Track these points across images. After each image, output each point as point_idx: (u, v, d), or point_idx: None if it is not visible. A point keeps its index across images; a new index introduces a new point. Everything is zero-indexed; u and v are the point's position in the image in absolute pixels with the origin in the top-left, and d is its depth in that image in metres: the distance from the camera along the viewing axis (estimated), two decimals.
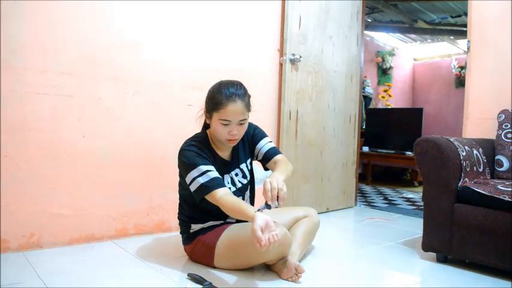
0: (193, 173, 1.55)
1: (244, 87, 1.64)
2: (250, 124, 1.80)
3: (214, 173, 1.56)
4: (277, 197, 1.43)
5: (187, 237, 1.74)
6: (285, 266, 1.57)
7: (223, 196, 1.50)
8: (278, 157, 1.76)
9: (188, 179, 1.58)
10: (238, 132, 1.61)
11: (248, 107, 1.62)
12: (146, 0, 2.12)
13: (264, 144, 1.79)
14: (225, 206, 1.49)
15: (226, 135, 1.59)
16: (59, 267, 1.63)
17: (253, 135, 1.80)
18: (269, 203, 1.42)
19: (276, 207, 1.46)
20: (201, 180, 1.54)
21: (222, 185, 1.55)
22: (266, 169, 1.82)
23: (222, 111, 1.56)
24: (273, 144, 1.81)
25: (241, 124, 1.60)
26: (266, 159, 1.77)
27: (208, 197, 1.53)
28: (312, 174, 2.84)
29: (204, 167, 1.56)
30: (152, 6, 2.14)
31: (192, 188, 1.56)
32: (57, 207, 1.89)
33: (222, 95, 1.56)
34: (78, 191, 1.95)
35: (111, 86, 2.03)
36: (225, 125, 1.57)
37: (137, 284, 1.50)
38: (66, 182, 1.91)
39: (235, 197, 1.54)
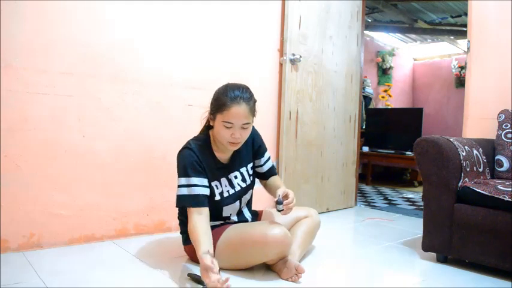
0: (183, 180, 1.57)
1: (250, 91, 1.63)
2: (257, 132, 1.83)
3: (200, 189, 1.57)
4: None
5: (188, 237, 1.73)
6: (285, 266, 1.57)
7: (197, 218, 1.53)
8: (277, 177, 1.86)
9: (177, 182, 1.60)
10: (241, 136, 1.59)
11: (253, 112, 1.61)
12: (146, 0, 2.12)
13: (266, 161, 1.84)
14: (190, 228, 1.53)
15: (229, 137, 1.58)
16: (59, 267, 1.63)
17: (260, 147, 1.82)
18: (281, 208, 1.59)
19: (279, 211, 1.61)
20: (186, 191, 1.55)
21: (202, 204, 1.56)
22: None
23: (226, 112, 1.55)
24: (271, 162, 1.88)
25: (244, 128, 1.59)
26: (266, 177, 1.85)
27: (187, 211, 1.57)
28: (312, 174, 2.84)
29: (194, 180, 1.57)
30: (152, 6, 2.14)
31: (177, 192, 1.59)
32: (57, 207, 1.89)
33: (227, 97, 1.56)
34: (78, 191, 1.95)
35: (111, 86, 2.03)
36: (228, 127, 1.57)
37: (137, 284, 1.50)
38: (66, 182, 1.91)
39: (205, 224, 1.53)
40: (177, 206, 1.60)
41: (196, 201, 1.55)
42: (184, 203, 1.56)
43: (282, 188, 1.66)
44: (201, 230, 1.50)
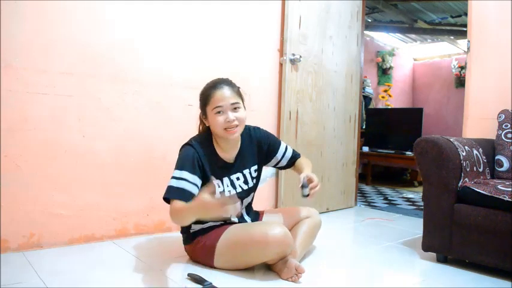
0: (176, 172, 1.57)
1: (231, 80, 1.69)
2: (264, 134, 1.83)
3: (189, 185, 1.53)
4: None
5: (188, 237, 1.74)
6: (286, 266, 1.57)
7: (180, 204, 1.46)
8: (301, 159, 1.90)
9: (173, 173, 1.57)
10: (236, 119, 1.60)
11: (239, 94, 1.66)
12: (146, 0, 2.12)
13: (283, 154, 1.86)
14: (174, 210, 1.47)
15: (224, 123, 1.59)
16: (59, 267, 1.63)
17: (270, 146, 1.83)
18: (307, 192, 1.60)
19: (305, 196, 1.62)
20: (175, 183, 1.53)
21: (186, 199, 1.48)
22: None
23: (212, 100, 1.60)
24: (290, 149, 1.90)
25: (235, 109, 1.61)
26: (290, 165, 1.90)
27: (170, 202, 1.51)
28: None
29: (186, 174, 1.54)
30: (152, 6, 2.14)
31: (168, 182, 1.55)
32: (57, 207, 1.89)
33: (210, 88, 1.64)
34: (78, 191, 1.95)
35: (111, 86, 2.03)
36: (219, 112, 1.59)
37: (137, 284, 1.50)
38: (66, 182, 1.91)
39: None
40: (164, 196, 1.53)
41: (181, 195, 1.50)
42: (170, 194, 1.51)
43: (304, 172, 1.70)
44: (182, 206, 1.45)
